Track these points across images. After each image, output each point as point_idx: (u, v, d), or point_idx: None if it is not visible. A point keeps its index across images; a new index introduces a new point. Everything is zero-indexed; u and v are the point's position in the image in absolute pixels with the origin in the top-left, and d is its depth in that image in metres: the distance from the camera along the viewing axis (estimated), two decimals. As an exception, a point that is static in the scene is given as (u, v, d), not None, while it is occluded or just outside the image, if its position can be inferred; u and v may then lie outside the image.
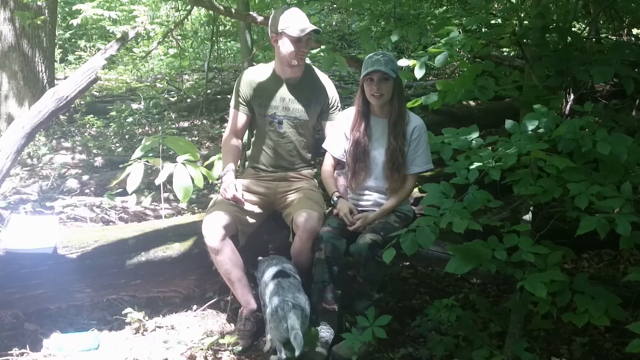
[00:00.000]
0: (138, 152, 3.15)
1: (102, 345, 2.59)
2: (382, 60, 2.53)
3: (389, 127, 2.64)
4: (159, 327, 2.76)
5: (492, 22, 3.87)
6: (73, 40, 10.27)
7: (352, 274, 2.60)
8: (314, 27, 2.70)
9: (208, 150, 5.13)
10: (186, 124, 6.38)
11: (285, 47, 2.71)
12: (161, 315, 2.85)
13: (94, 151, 5.24)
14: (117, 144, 5.59)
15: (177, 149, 3.16)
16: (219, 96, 7.02)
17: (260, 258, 2.68)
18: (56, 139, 5.65)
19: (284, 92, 2.84)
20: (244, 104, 2.88)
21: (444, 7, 6.33)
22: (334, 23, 9.61)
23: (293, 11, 2.74)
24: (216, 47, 7.34)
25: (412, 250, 2.07)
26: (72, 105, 5.90)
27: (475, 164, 2.15)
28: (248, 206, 2.74)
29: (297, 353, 2.20)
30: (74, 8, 7.76)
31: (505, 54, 6.01)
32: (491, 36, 3.03)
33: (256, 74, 2.89)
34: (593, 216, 1.96)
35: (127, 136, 5.84)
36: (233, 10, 3.77)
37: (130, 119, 6.04)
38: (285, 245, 2.74)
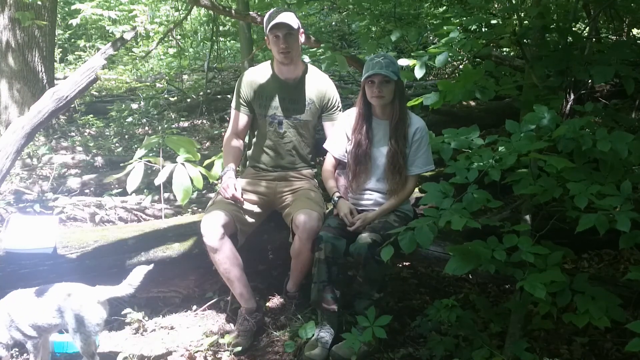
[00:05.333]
0: (140, 153, 3.14)
1: (102, 345, 2.58)
2: (383, 62, 2.51)
3: (390, 129, 2.63)
4: (159, 328, 2.76)
5: (492, 22, 3.87)
6: (72, 40, 10.27)
7: (352, 273, 2.59)
8: (284, 21, 2.64)
9: (208, 150, 5.13)
10: (186, 124, 6.37)
11: (271, 46, 2.74)
12: (161, 316, 2.86)
13: (94, 151, 5.24)
14: (117, 144, 5.58)
15: (177, 148, 3.15)
16: (219, 96, 7.00)
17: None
18: (56, 139, 5.64)
19: (284, 92, 2.84)
20: (245, 104, 2.88)
21: (444, 7, 6.32)
22: (334, 23, 9.60)
23: (273, 11, 2.74)
24: (216, 47, 7.32)
25: (410, 249, 2.06)
26: (72, 105, 5.92)
27: (475, 164, 2.14)
28: (247, 205, 2.74)
29: None
30: (72, 8, 7.78)
31: (505, 54, 6.01)
32: (491, 36, 3.03)
33: (256, 74, 2.89)
34: (592, 213, 1.96)
35: (127, 136, 5.84)
36: (233, 10, 3.78)
37: (130, 119, 6.04)
38: (285, 246, 2.74)
